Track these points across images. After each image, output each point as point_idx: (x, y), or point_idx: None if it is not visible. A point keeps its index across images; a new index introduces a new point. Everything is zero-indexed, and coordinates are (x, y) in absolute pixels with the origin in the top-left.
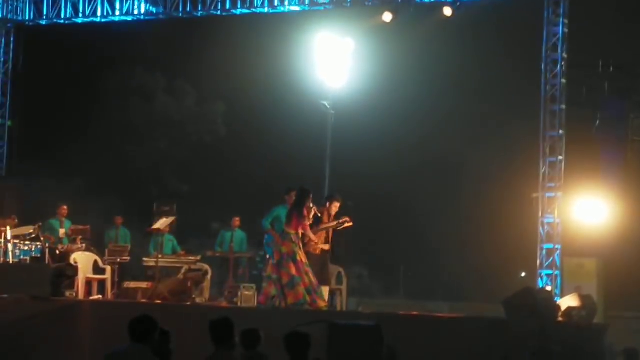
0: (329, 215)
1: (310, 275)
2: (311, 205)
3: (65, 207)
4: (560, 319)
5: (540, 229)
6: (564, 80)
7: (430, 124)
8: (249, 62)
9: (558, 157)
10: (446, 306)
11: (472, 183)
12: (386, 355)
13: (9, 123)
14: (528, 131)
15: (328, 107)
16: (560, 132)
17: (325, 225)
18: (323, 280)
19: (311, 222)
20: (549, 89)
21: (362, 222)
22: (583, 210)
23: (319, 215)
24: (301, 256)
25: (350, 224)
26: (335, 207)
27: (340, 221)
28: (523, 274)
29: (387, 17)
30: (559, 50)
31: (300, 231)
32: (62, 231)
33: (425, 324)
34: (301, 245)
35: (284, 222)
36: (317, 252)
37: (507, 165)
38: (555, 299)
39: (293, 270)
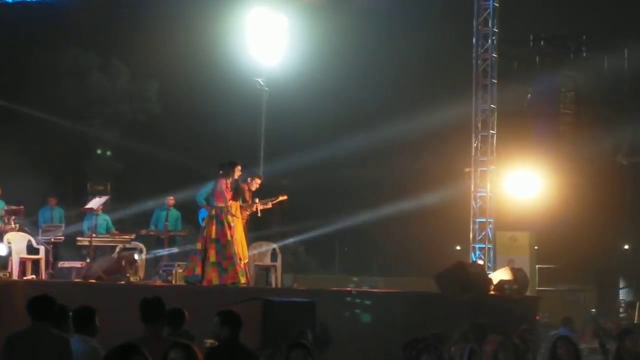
0: (250, 191)
1: (233, 248)
2: (236, 177)
3: None
4: (492, 292)
5: (473, 202)
6: (495, 55)
7: (364, 100)
8: (183, 40)
9: (490, 131)
10: (381, 281)
11: (405, 158)
12: (319, 332)
13: None
14: (460, 106)
15: (262, 84)
16: (492, 106)
17: (263, 207)
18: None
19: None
20: (481, 64)
21: (297, 199)
22: (515, 183)
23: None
24: (217, 231)
25: (285, 197)
26: (256, 183)
27: (274, 198)
28: (458, 247)
29: None
30: (490, 25)
31: (230, 203)
32: None
33: (360, 299)
34: (227, 217)
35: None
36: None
37: (440, 140)
38: (488, 272)
39: (200, 245)
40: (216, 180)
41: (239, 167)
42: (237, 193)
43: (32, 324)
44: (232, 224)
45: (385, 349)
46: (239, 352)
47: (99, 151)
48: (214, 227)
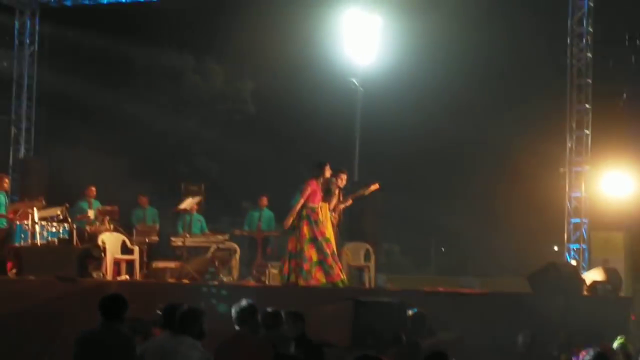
0: (339, 188)
1: (325, 247)
2: (330, 176)
3: (93, 189)
4: (585, 293)
5: (568, 203)
6: (589, 54)
7: (459, 99)
8: (277, 40)
9: (585, 131)
10: (477, 281)
11: (500, 158)
12: (427, 334)
13: None
14: (555, 106)
15: (357, 84)
16: (587, 106)
17: (354, 195)
18: None
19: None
20: (575, 63)
21: (392, 199)
22: (610, 184)
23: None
24: (311, 230)
25: (377, 186)
26: (342, 179)
27: (366, 187)
28: (556, 248)
29: None
30: (585, 24)
31: (321, 204)
32: (90, 212)
33: (450, 300)
34: (319, 217)
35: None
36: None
37: (535, 140)
38: (582, 272)
39: (295, 245)
40: (307, 182)
41: (328, 167)
42: (329, 193)
43: (102, 322)
44: (325, 224)
45: (476, 350)
46: (311, 347)
47: None
48: (307, 227)
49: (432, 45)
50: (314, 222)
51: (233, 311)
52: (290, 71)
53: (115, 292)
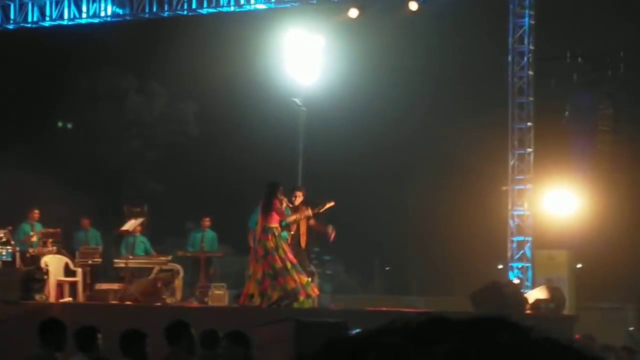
0: (294, 206)
1: (295, 269)
2: (282, 197)
3: (37, 211)
4: (528, 311)
5: (511, 221)
6: (531, 72)
7: (400, 118)
8: (219, 62)
9: (527, 149)
10: (421, 300)
11: (442, 177)
12: None
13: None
14: (497, 124)
15: (299, 104)
16: (529, 124)
17: (308, 213)
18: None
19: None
20: (517, 82)
21: (335, 218)
22: (553, 202)
23: (289, 206)
24: (285, 249)
25: (333, 203)
26: (299, 196)
27: (322, 205)
28: (500, 267)
29: (353, 13)
30: (526, 42)
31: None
32: (33, 235)
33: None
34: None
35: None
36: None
37: (477, 159)
38: (526, 291)
39: (279, 263)
40: (275, 202)
41: (281, 188)
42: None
43: (40, 345)
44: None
45: None
46: None
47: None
48: (286, 246)
49: (374, 65)
50: (285, 241)
51: (163, 330)
52: (233, 92)
53: (52, 317)
